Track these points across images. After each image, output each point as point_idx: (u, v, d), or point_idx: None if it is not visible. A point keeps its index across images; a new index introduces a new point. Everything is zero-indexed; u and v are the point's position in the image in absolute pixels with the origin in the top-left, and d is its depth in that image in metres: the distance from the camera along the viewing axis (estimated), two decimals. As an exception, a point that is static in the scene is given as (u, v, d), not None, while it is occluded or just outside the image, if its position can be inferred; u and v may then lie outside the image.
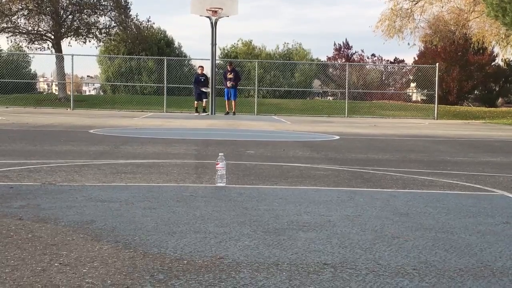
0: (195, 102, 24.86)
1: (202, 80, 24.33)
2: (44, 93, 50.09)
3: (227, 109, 24.78)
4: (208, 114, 23.71)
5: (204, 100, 24.49)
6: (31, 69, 46.89)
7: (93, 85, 66.11)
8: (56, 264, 2.83)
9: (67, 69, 32.09)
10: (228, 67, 25.24)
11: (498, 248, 3.38)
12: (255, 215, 4.11)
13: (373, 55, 50.54)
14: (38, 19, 33.53)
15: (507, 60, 44.01)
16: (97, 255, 3.01)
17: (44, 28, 34.39)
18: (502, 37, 33.45)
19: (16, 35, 34.39)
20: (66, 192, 4.87)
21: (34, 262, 2.86)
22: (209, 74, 25.43)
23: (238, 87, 26.54)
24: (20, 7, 32.84)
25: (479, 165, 7.90)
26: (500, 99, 49.72)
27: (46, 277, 2.63)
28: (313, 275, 2.77)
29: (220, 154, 5.48)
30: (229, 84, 24.17)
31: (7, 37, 34.33)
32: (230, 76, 24.41)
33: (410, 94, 44.96)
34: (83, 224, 3.70)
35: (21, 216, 3.87)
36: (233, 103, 24.67)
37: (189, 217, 3.98)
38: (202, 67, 25.78)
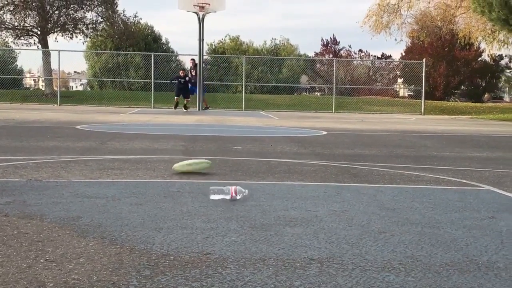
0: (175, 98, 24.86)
1: (182, 82, 24.35)
2: (31, 89, 49.89)
3: (174, 105, 24.83)
4: (187, 111, 23.68)
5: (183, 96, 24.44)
6: (17, 65, 46.62)
7: (80, 80, 65.85)
8: (41, 261, 2.81)
9: (54, 65, 31.95)
10: (191, 63, 25.48)
11: (484, 243, 3.39)
12: (242, 211, 4.10)
13: (360, 50, 50.73)
14: (24, 15, 33.34)
15: (493, 55, 44.25)
16: (83, 251, 3.00)
17: (30, 24, 34.20)
18: (488, 33, 33.63)
19: (2, 31, 34.18)
20: (52, 188, 4.84)
21: (19, 258, 2.84)
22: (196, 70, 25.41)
23: (226, 83, 26.62)
24: (6, 2, 32.64)
25: (465, 160, 7.94)
26: (486, 95, 50.01)
27: (32, 273, 2.62)
28: (300, 270, 2.78)
29: (245, 190, 4.48)
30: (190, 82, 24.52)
31: (-7, 33, 34.09)
32: (193, 73, 24.81)
33: (397, 89, 45.10)
34: (69, 220, 3.68)
35: (6, 213, 3.85)
36: (202, 98, 25.08)
37: (176, 213, 3.97)
38: (184, 70, 25.89)
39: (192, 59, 25.87)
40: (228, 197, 4.37)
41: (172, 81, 25.23)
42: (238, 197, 4.35)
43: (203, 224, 3.65)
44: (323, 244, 3.26)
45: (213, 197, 4.42)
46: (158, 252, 3.00)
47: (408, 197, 4.88)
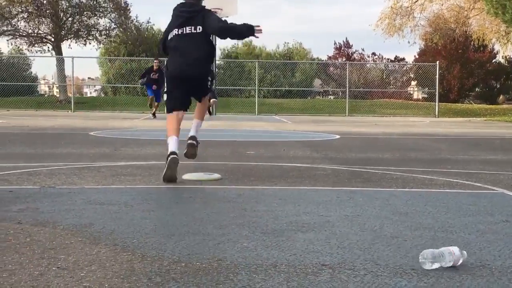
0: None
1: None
2: (45, 95, 50.17)
3: (153, 110, 21.12)
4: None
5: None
6: (31, 72, 46.97)
7: (94, 86, 66.23)
8: (54, 268, 2.82)
9: (68, 71, 32.19)
10: (154, 64, 20.65)
11: (497, 247, 3.37)
12: (254, 216, 4.10)
13: (373, 53, 50.56)
14: (38, 22, 33.61)
15: (507, 57, 44.01)
16: (95, 258, 3.00)
17: (44, 31, 34.46)
18: (502, 34, 33.46)
19: (16, 38, 34.50)
20: (65, 195, 4.86)
21: (32, 266, 2.86)
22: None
23: (239, 87, 26.33)
24: (20, 10, 32.92)
25: (480, 163, 7.89)
26: (501, 96, 49.69)
27: (44, 281, 2.63)
28: (311, 276, 2.77)
29: (463, 252, 3.09)
30: (154, 87, 20.29)
31: (8, 40, 34.48)
32: (155, 77, 20.15)
33: (411, 92, 44.95)
34: (82, 227, 3.69)
35: (20, 220, 3.87)
36: (154, 104, 21.08)
37: (188, 219, 3.97)
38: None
39: (157, 59, 21.14)
40: (448, 264, 3.02)
41: (143, 81, 20.87)
42: (460, 262, 3.05)
43: (215, 230, 3.65)
44: (335, 250, 3.24)
45: (428, 266, 2.99)
46: (169, 259, 3.01)
47: (421, 201, 4.85)
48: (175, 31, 6.00)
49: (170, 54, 6.17)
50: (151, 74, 20.29)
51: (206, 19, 6.00)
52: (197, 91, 6.20)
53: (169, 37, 6.04)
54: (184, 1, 6.20)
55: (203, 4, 6.27)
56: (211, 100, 15.10)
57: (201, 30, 5.95)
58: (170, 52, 6.14)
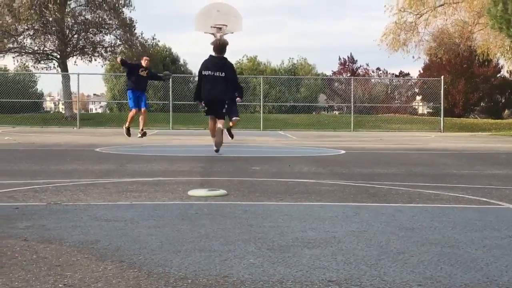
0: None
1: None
2: (51, 112, 50.34)
3: (128, 123, 17.58)
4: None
5: (233, 118, 16.41)
6: (37, 89, 47.18)
7: (100, 103, 66.44)
8: (60, 285, 2.82)
9: (73, 88, 32.32)
10: (143, 62, 17.04)
11: (504, 262, 3.36)
12: (260, 232, 4.10)
13: (378, 68, 50.70)
14: (44, 39, 33.83)
15: (512, 71, 43.99)
16: (101, 275, 3.00)
17: (50, 48, 34.68)
18: (507, 49, 33.48)
19: (22, 55, 34.69)
20: (72, 211, 4.87)
21: (38, 283, 2.86)
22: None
23: (243, 103, 26.18)
24: (26, 27, 33.13)
25: (486, 178, 7.88)
26: (506, 111, 49.66)
27: (50, 298, 2.63)
28: (318, 292, 2.76)
29: None
30: (139, 78, 16.75)
31: (14, 57, 34.65)
32: (143, 74, 16.81)
33: (416, 107, 44.95)
34: (88, 244, 3.70)
35: (26, 237, 3.87)
36: (142, 112, 17.48)
37: (194, 235, 3.97)
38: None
39: (146, 58, 17.59)
40: None
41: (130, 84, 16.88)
42: None
43: (221, 247, 3.64)
44: (341, 266, 3.24)
45: None
46: (176, 276, 3.01)
47: (427, 217, 4.84)
48: (209, 72, 10.94)
49: (203, 84, 11.03)
50: (140, 70, 16.69)
51: (230, 71, 11.09)
52: (216, 110, 11.16)
53: (205, 73, 11.01)
54: (215, 55, 11.01)
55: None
56: (233, 118, 16.44)
57: (224, 75, 10.92)
58: (204, 83, 11.03)
